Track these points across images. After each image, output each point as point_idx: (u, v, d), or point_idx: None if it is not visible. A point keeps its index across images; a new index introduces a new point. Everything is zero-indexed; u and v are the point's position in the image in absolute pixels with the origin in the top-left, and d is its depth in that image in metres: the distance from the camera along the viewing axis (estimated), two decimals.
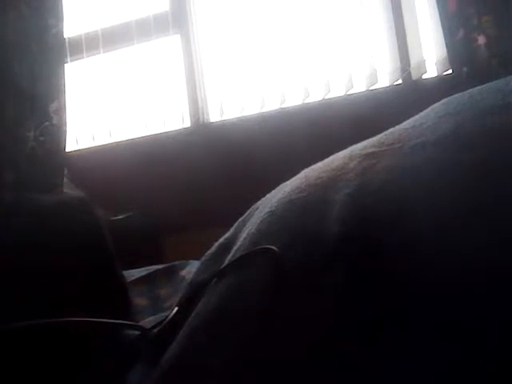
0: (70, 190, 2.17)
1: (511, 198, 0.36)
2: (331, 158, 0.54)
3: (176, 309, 0.56)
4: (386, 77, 2.08)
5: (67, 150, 2.30)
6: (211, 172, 2.17)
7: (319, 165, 0.53)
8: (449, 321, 0.33)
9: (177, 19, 2.42)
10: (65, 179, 2.23)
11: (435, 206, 0.39)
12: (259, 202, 0.58)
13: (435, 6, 1.82)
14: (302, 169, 0.55)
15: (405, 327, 0.34)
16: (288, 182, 0.54)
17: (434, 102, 0.53)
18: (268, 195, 0.57)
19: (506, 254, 0.34)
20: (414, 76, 2.03)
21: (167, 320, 0.55)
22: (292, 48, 2.23)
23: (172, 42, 2.46)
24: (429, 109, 0.52)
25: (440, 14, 1.80)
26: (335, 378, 0.35)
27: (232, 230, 0.58)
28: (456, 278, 0.34)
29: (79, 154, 2.48)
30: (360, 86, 2.11)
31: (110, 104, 2.56)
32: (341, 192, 0.45)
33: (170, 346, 0.48)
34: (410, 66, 2.03)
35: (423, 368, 0.33)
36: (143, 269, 1.07)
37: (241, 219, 0.59)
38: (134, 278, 0.99)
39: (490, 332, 0.32)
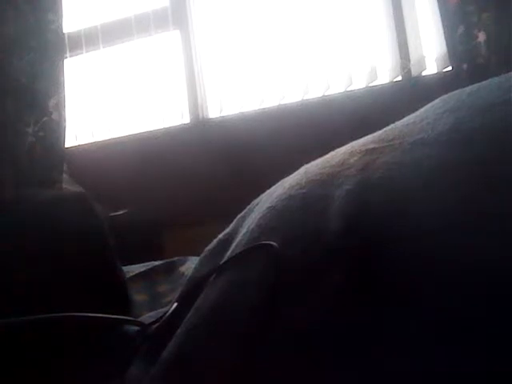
0: (69, 186, 2.17)
1: (510, 194, 0.36)
2: (331, 154, 0.54)
3: (175, 304, 0.56)
4: (385, 73, 2.07)
5: (66, 145, 2.30)
6: (210, 168, 2.17)
7: (319, 161, 0.53)
8: (449, 320, 0.33)
9: (176, 15, 2.41)
10: (64, 175, 2.23)
11: (435, 202, 0.39)
12: (259, 198, 0.58)
13: (435, 2, 1.82)
14: (302, 165, 0.55)
15: (405, 326, 0.34)
16: (288, 178, 0.54)
17: (434, 99, 0.53)
18: (268, 191, 0.57)
19: (505, 247, 0.34)
20: (414, 72, 2.02)
21: (166, 316, 0.55)
22: (291, 44, 2.22)
23: (171, 37, 2.45)
24: (428, 105, 0.52)
25: (440, 11, 1.80)
26: (335, 377, 0.35)
27: (232, 225, 0.58)
28: (457, 278, 0.34)
29: (78, 150, 2.48)
30: (360, 83, 2.10)
31: (109, 100, 2.55)
32: (341, 188, 0.45)
33: (169, 341, 0.48)
34: (409, 62, 2.03)
35: (423, 367, 0.33)
36: (142, 264, 1.07)
37: (240, 215, 0.58)
38: (133, 274, 0.99)
39: (489, 331, 0.32)
